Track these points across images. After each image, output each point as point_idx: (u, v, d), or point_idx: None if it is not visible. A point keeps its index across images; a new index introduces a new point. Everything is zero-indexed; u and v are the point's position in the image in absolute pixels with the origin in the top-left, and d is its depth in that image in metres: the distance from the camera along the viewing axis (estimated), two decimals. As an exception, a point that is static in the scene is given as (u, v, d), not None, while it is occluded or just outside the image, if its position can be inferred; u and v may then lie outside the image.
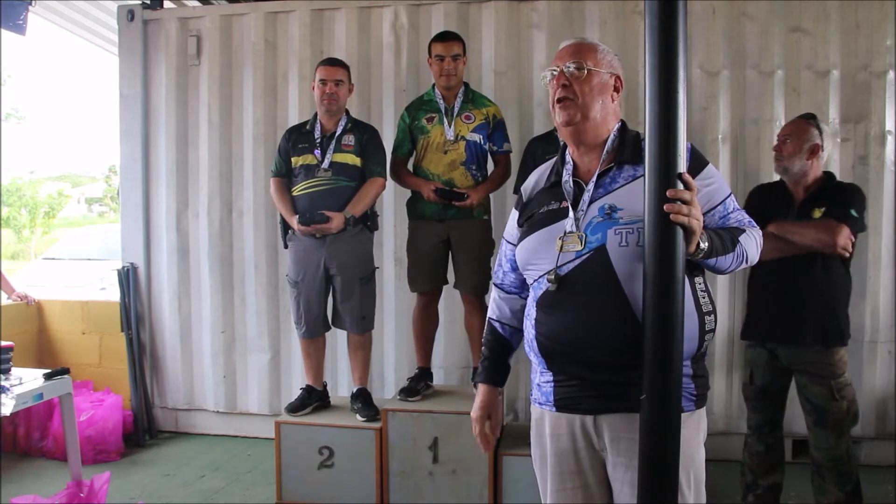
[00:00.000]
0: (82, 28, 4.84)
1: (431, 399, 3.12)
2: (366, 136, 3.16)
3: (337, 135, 3.11)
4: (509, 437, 3.10)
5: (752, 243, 1.48)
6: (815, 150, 2.47)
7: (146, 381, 4.07)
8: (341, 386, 3.82)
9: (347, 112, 3.20)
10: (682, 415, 1.35)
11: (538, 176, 1.67)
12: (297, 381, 3.78)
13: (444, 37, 3.08)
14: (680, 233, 1.26)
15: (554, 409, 1.52)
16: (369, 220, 3.16)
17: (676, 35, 1.24)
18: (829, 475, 2.45)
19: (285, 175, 3.17)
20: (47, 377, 2.65)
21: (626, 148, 1.51)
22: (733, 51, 3.54)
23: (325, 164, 3.07)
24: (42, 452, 3.74)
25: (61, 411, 2.78)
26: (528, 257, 1.54)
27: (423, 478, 2.93)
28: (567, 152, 1.59)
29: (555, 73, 1.52)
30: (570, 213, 1.48)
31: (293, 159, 3.14)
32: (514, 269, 1.63)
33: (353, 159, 3.09)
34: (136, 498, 3.18)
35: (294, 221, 3.03)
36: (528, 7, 3.68)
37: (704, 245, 1.33)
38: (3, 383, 2.47)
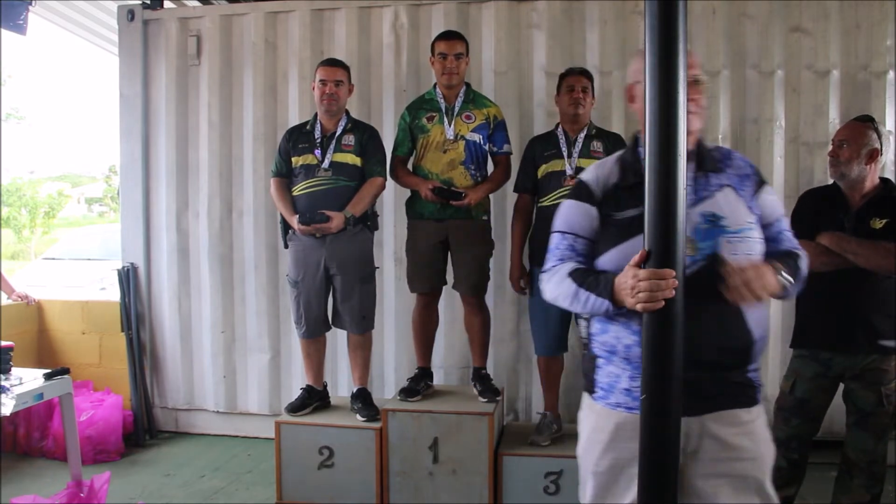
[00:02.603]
0: (82, 28, 4.84)
1: (431, 399, 3.12)
2: (366, 135, 3.16)
3: (337, 135, 3.11)
4: (509, 436, 3.10)
5: (806, 265, 1.55)
6: (873, 155, 2.36)
7: (146, 381, 4.07)
8: (341, 386, 3.82)
9: (347, 112, 3.20)
10: (755, 408, 1.50)
11: (606, 171, 1.59)
12: (297, 381, 3.78)
13: (448, 35, 3.09)
14: (680, 235, 1.26)
15: None
16: (369, 220, 3.16)
17: (676, 35, 1.24)
18: (859, 476, 2.41)
19: (285, 175, 3.17)
20: (47, 377, 2.65)
21: (706, 156, 1.54)
22: (733, 51, 3.54)
23: (326, 164, 3.07)
24: (42, 452, 3.74)
25: (61, 411, 2.77)
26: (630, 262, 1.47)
27: (423, 478, 2.93)
28: (640, 152, 1.54)
29: (699, 79, 1.52)
30: None
31: (293, 159, 3.14)
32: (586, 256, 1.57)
33: (353, 159, 3.10)
34: (136, 498, 3.18)
35: (294, 221, 3.02)
36: (528, 7, 3.68)
37: (787, 278, 1.44)
38: (3, 383, 2.46)
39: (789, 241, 1.58)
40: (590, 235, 1.56)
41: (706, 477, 1.48)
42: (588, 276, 1.48)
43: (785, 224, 1.58)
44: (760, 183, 1.56)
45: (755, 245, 1.48)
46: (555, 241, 1.62)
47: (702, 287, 1.40)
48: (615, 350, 1.51)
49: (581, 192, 1.60)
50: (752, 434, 1.50)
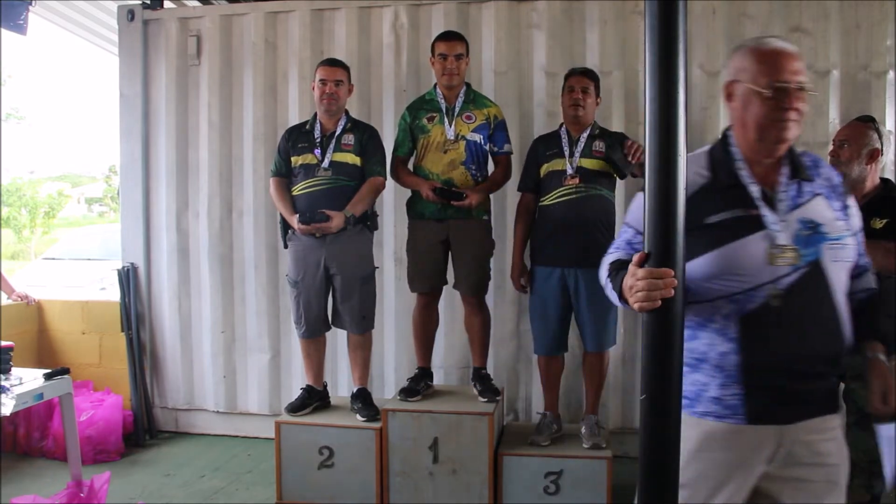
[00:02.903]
0: (82, 28, 4.83)
1: (431, 399, 3.12)
2: (365, 135, 3.16)
3: (337, 134, 3.11)
4: (509, 436, 3.10)
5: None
6: (873, 155, 2.36)
7: (146, 381, 4.07)
8: (341, 386, 3.82)
9: (347, 112, 3.21)
10: (839, 413, 1.50)
11: (688, 170, 1.48)
12: (297, 381, 3.78)
13: (448, 36, 3.09)
14: (680, 236, 1.26)
15: (745, 421, 1.46)
16: (369, 220, 3.16)
17: (676, 35, 1.23)
18: (859, 476, 2.37)
19: (285, 175, 3.17)
20: (47, 377, 2.65)
21: (798, 163, 1.51)
22: (733, 51, 3.54)
23: (325, 164, 3.07)
24: (42, 452, 3.74)
25: (61, 411, 2.78)
26: (727, 268, 1.42)
27: (423, 478, 2.94)
28: (733, 151, 1.51)
29: (789, 86, 1.44)
30: (777, 224, 1.44)
31: (293, 159, 3.14)
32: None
33: (352, 159, 3.10)
34: (136, 498, 3.18)
35: (294, 221, 3.03)
36: (528, 7, 3.68)
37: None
38: (3, 383, 2.47)
39: (864, 256, 1.57)
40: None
41: (791, 482, 1.47)
42: (616, 268, 1.48)
43: (861, 237, 1.57)
44: (846, 194, 1.55)
45: (852, 252, 1.47)
46: (621, 229, 1.63)
47: (805, 295, 1.40)
48: (705, 357, 1.47)
49: None
50: (838, 440, 1.51)
